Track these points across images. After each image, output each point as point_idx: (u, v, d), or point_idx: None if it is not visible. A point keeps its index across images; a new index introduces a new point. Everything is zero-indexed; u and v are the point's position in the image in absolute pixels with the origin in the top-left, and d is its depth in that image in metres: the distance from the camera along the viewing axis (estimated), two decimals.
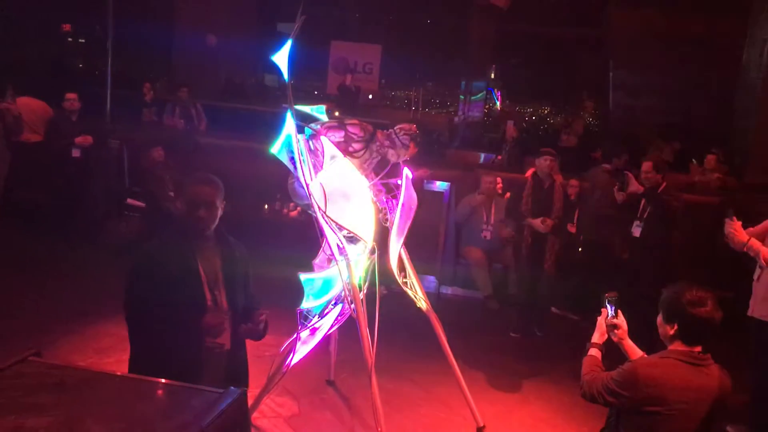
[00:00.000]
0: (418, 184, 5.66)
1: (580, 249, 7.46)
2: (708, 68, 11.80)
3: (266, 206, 8.36)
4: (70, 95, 7.98)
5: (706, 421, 2.92)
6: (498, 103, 15.18)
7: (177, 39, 13.72)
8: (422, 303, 4.62)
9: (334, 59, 14.22)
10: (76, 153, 7.88)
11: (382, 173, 4.44)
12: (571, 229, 7.24)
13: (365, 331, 4.13)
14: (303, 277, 4.14)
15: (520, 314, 6.74)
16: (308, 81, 15.31)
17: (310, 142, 4.15)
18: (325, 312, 4.26)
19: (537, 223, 6.41)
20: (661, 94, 12.64)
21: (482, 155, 10.94)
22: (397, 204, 4.36)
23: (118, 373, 2.30)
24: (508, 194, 7.30)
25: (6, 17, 12.12)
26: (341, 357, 5.19)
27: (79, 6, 13.88)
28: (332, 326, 4.34)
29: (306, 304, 4.16)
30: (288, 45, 3.85)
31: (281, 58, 3.86)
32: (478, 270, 7.47)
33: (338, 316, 4.29)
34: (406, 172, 4.41)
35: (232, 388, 2.25)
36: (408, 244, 4.54)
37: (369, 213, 4.14)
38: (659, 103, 12.65)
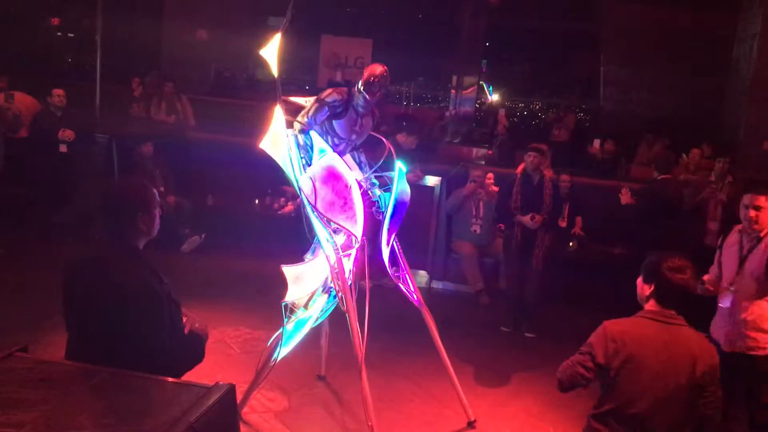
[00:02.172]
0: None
1: (570, 243, 7.48)
2: (698, 63, 11.83)
3: (257, 201, 8.34)
4: (57, 91, 7.94)
5: (683, 382, 2.91)
6: (489, 97, 15.19)
7: (167, 33, 13.63)
8: (414, 297, 4.62)
9: (324, 54, 14.18)
10: (63, 148, 7.84)
11: (375, 166, 4.42)
12: (562, 223, 7.25)
13: (356, 325, 4.12)
14: (286, 269, 4.12)
15: (511, 309, 6.75)
16: (298, 76, 15.25)
17: (299, 137, 4.14)
18: (310, 303, 4.25)
19: (526, 219, 6.41)
20: (651, 89, 12.67)
21: (474, 150, 10.93)
22: (390, 197, 4.36)
23: (105, 369, 2.28)
24: (497, 188, 7.31)
25: None
26: (332, 352, 5.18)
27: (67, 0, 13.80)
28: (318, 318, 4.33)
29: (290, 296, 4.14)
30: (277, 39, 3.83)
31: (270, 53, 3.84)
32: (469, 264, 7.47)
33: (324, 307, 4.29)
34: (400, 165, 4.40)
35: (220, 383, 2.24)
36: (399, 238, 4.54)
37: (359, 207, 4.13)
38: (650, 98, 12.67)
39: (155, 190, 2.84)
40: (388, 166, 4.50)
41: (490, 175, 7.67)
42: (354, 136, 4.35)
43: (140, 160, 8.08)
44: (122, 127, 9.10)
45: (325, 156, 4.11)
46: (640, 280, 3.11)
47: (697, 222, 7.06)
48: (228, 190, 8.48)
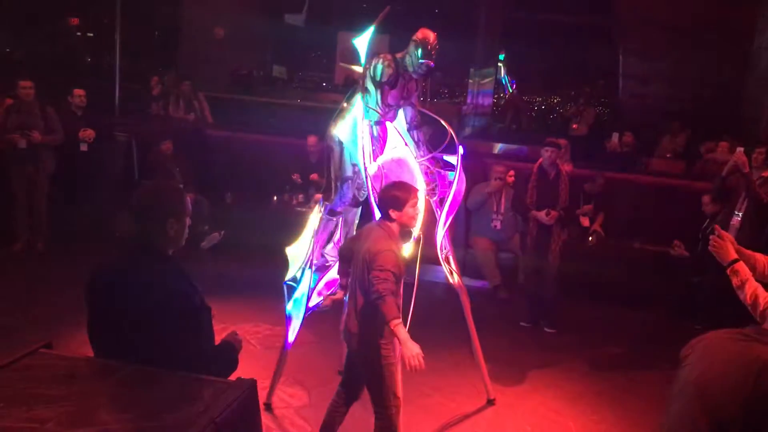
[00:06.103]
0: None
1: (590, 238, 7.43)
2: (718, 55, 11.69)
3: (275, 198, 8.36)
4: (78, 91, 8.00)
5: None
6: (509, 89, 15.10)
7: (184, 31, 13.72)
8: (455, 277, 4.76)
9: (341, 51, 14.18)
10: (83, 147, 7.90)
11: (438, 150, 4.41)
12: (584, 222, 7.20)
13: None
14: (288, 250, 4.28)
15: (530, 304, 6.72)
16: (315, 72, 15.28)
17: (374, 128, 4.15)
18: (299, 279, 4.34)
19: (541, 215, 6.37)
20: (671, 82, 12.53)
21: (498, 146, 10.74)
22: (447, 182, 4.41)
23: (128, 365, 2.29)
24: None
25: (15, 12, 12.17)
26: None
27: (86, 0, 13.92)
28: (310, 297, 4.36)
29: (289, 274, 4.26)
30: (371, 30, 4.07)
31: (362, 42, 4.05)
32: (486, 260, 7.44)
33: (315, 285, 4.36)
34: (461, 152, 4.42)
35: (242, 378, 2.25)
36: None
37: (421, 202, 4.17)
38: (669, 91, 12.54)
39: (188, 198, 2.76)
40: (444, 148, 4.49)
41: (512, 171, 7.62)
42: (402, 102, 4.33)
43: (159, 158, 8.14)
44: (141, 126, 9.18)
45: (398, 149, 4.17)
46: None
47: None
48: (246, 187, 8.52)
